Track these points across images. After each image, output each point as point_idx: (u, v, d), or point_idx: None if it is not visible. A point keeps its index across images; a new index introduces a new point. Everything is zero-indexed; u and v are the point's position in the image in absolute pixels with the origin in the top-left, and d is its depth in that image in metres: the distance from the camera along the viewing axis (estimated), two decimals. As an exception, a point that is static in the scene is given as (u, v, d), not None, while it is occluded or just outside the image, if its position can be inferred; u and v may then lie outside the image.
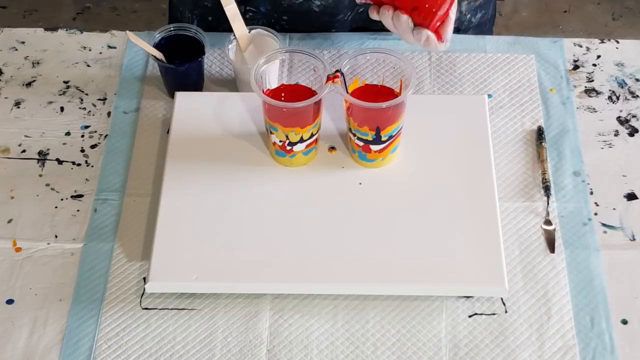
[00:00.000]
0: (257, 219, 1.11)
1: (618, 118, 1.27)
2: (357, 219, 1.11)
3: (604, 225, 1.16)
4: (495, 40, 1.36)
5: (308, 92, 1.13)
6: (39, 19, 2.55)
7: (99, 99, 1.29)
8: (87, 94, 1.30)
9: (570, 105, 1.28)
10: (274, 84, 1.16)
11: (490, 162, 1.16)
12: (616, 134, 1.25)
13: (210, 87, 1.30)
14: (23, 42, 1.37)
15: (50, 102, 1.29)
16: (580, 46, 1.35)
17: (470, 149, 1.18)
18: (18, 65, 1.34)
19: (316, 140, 1.16)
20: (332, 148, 1.19)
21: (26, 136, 1.25)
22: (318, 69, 1.12)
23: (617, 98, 1.29)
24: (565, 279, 1.10)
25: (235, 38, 1.23)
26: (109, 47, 1.36)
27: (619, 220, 1.16)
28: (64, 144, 1.24)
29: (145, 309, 1.08)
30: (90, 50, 1.36)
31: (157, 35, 1.25)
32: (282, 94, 1.14)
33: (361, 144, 1.14)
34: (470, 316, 1.08)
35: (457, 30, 1.39)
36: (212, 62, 1.32)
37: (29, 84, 1.31)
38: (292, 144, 1.13)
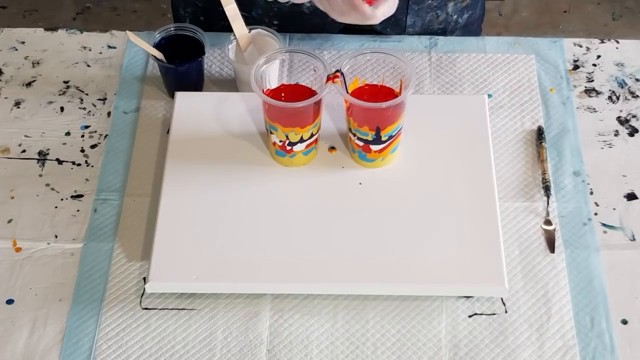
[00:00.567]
0: (257, 219, 1.11)
1: (618, 118, 1.27)
2: (357, 219, 1.11)
3: (604, 225, 1.16)
4: (495, 40, 1.35)
5: (308, 92, 1.13)
6: (39, 19, 2.55)
7: (99, 99, 1.29)
8: (87, 94, 1.30)
9: (570, 105, 1.28)
10: (274, 84, 1.16)
11: (490, 162, 1.16)
12: (616, 134, 1.25)
13: (210, 87, 1.30)
14: (23, 42, 1.37)
15: (50, 102, 1.29)
16: (580, 46, 1.35)
17: (470, 149, 1.17)
18: (18, 65, 1.34)
19: (316, 140, 1.16)
20: (332, 148, 1.19)
21: (26, 136, 1.25)
22: (318, 69, 1.12)
23: (617, 98, 1.29)
24: (565, 279, 1.10)
25: (235, 38, 1.23)
26: (109, 47, 1.36)
27: (619, 220, 1.16)
28: (64, 144, 1.24)
29: (145, 309, 1.08)
30: (90, 50, 1.35)
31: (157, 35, 1.25)
32: (282, 94, 1.14)
33: (361, 144, 1.13)
34: (470, 316, 1.08)
35: (444, 31, 1.39)
36: (212, 62, 1.32)
37: (29, 84, 1.31)
38: (292, 144, 1.13)
